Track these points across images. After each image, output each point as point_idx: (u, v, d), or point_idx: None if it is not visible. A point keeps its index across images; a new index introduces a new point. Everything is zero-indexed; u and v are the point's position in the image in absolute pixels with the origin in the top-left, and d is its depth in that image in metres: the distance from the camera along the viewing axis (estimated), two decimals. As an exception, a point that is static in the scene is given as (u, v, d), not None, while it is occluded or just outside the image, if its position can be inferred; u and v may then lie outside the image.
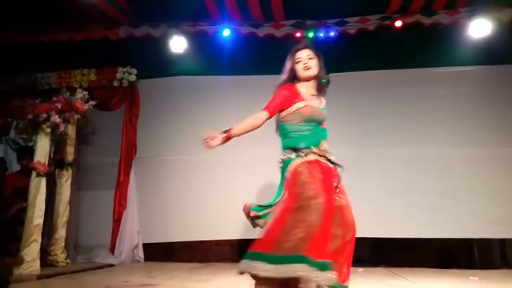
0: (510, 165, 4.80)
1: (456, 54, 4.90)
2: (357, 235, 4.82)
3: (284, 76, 2.86)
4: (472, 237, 4.83)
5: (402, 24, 5.02)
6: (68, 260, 4.62)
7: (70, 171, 4.88)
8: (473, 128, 4.91)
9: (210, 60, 5.40)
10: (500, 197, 4.72)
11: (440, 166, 4.89)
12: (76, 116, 4.94)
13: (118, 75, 5.43)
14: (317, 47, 5.18)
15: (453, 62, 4.99)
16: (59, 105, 4.77)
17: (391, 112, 5.06)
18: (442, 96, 5.01)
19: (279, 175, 4.56)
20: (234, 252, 5.36)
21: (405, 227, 4.75)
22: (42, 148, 4.48)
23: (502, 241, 5.00)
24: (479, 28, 4.81)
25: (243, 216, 4.95)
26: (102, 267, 4.63)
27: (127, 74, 5.43)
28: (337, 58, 5.10)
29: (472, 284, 3.55)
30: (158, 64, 5.46)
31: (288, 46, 5.11)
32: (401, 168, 4.93)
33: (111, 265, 4.75)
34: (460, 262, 4.84)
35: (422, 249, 5.02)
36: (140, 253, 5.13)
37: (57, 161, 4.82)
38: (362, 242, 4.89)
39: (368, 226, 4.76)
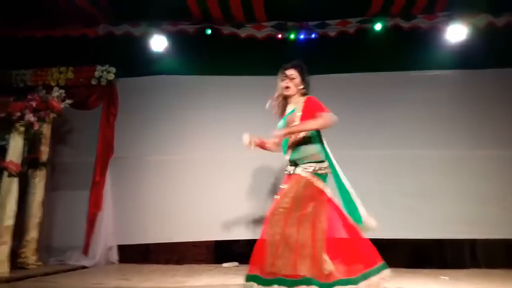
0: (481, 167, 4.88)
1: (433, 58, 4.97)
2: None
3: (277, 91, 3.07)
4: (443, 237, 4.88)
5: (382, 28, 5.06)
6: (40, 263, 4.50)
7: (44, 171, 4.76)
8: (446, 130, 4.98)
9: (191, 60, 5.35)
10: (471, 198, 4.79)
11: (413, 168, 4.94)
12: (52, 115, 4.85)
13: (97, 74, 5.34)
14: (298, 48, 5.29)
15: (429, 66, 5.06)
16: (34, 104, 4.67)
17: (367, 114, 5.09)
18: (418, 99, 5.06)
19: (257, 178, 4.57)
20: (211, 253, 5.30)
21: (379, 227, 4.75)
22: (15, 147, 4.38)
23: (472, 242, 5.07)
24: (456, 32, 4.91)
25: (220, 217, 4.96)
26: (75, 269, 4.51)
27: (105, 72, 5.34)
28: (317, 60, 5.11)
29: (443, 283, 3.57)
30: (137, 63, 5.39)
31: (269, 48, 5.23)
32: (376, 169, 4.96)
33: (85, 267, 4.64)
34: (432, 262, 4.89)
35: (395, 249, 5.04)
36: (115, 255, 5.03)
37: (31, 161, 4.69)
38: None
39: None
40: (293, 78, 3.01)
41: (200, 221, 4.90)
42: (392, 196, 4.83)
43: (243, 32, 5.35)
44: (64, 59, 5.36)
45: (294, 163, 2.87)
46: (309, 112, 2.88)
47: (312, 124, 2.84)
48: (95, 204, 5.06)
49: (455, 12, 4.93)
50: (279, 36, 5.29)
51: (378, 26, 5.06)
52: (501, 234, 4.71)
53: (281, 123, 3.01)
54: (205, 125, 5.26)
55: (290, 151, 2.91)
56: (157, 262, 5.03)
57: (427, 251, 5.09)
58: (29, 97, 4.73)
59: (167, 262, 5.03)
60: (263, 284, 2.59)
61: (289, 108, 3.03)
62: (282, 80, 3.02)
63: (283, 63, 4.82)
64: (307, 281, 2.55)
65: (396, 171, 4.94)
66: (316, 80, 5.07)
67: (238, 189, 4.95)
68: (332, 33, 5.22)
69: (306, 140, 2.90)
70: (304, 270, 2.57)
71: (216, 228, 4.83)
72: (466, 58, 4.94)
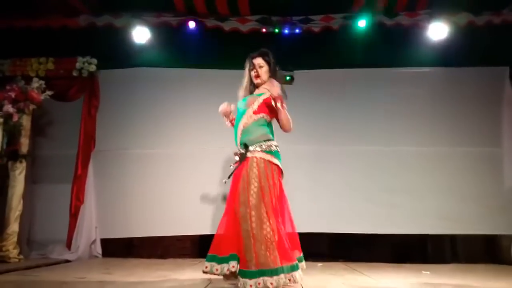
0: (463, 164, 5.02)
1: (415, 55, 5.04)
2: (316, 230, 4.95)
3: (244, 80, 3.20)
4: (425, 233, 5.00)
5: (366, 24, 5.11)
6: (21, 256, 4.45)
7: (24, 163, 4.68)
8: (428, 127, 5.10)
9: (174, 52, 5.30)
10: (453, 195, 4.93)
11: (396, 164, 5.05)
12: (32, 106, 4.76)
13: (78, 65, 5.24)
14: (282, 43, 5.30)
15: (412, 63, 5.15)
16: (13, 94, 4.59)
17: (351, 110, 5.17)
18: (400, 96, 5.16)
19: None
20: (195, 247, 5.33)
21: (363, 223, 4.88)
22: (-6, 139, 4.29)
23: (453, 237, 5.23)
24: (437, 31, 4.98)
25: (204, 212, 4.98)
26: (58, 263, 4.47)
27: (87, 64, 5.25)
28: (301, 55, 5.19)
29: (424, 278, 3.68)
30: (119, 55, 5.30)
31: (253, 41, 5.22)
32: (359, 165, 5.06)
33: (67, 261, 4.60)
34: (414, 257, 5.03)
35: (378, 244, 5.18)
36: (98, 249, 5.01)
37: (10, 153, 4.61)
38: (321, 237, 5.06)
39: (327, 222, 4.89)
40: (261, 67, 3.12)
41: (184, 215, 4.91)
42: (376, 192, 4.93)
43: (227, 26, 5.32)
44: (44, 50, 5.24)
45: (245, 145, 2.96)
46: (268, 108, 3.02)
47: (288, 117, 3.00)
48: (77, 198, 5.02)
49: (436, 10, 5.01)
50: (263, 30, 5.28)
51: (362, 23, 5.10)
52: (481, 230, 4.88)
53: (240, 103, 3.12)
54: (188, 119, 5.25)
55: (240, 135, 3.00)
56: (141, 256, 5.03)
57: (409, 246, 5.23)
58: (7, 87, 4.63)
59: (150, 256, 5.03)
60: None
61: (256, 92, 3.14)
62: (251, 69, 3.15)
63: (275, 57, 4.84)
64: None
65: (379, 167, 5.04)
66: (300, 75, 5.23)
67: (222, 183, 4.96)
68: (316, 29, 5.24)
69: (258, 125, 2.99)
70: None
71: (200, 222, 4.85)
72: (447, 56, 5.04)
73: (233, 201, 2.91)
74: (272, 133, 3.06)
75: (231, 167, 3.01)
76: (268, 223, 2.74)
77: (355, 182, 5.00)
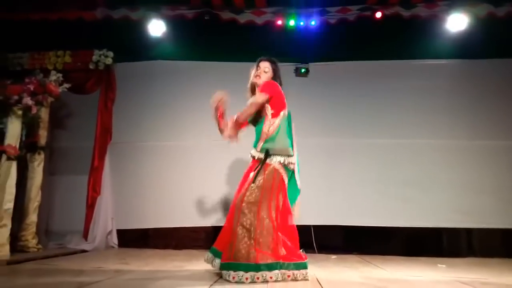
0: (479, 157, 4.95)
1: (433, 47, 4.98)
2: (330, 223, 4.94)
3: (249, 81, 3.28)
4: (440, 226, 4.96)
5: (382, 16, 5.05)
6: (40, 246, 4.52)
7: (42, 155, 4.75)
8: (445, 120, 5.03)
9: (189, 45, 5.33)
10: (468, 188, 4.87)
11: (411, 157, 5.00)
12: (50, 99, 4.81)
13: (94, 58, 5.30)
14: (298, 35, 5.27)
15: (429, 55, 5.07)
16: (31, 87, 4.63)
17: (367, 103, 5.13)
18: (417, 88, 5.09)
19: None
20: (209, 239, 5.34)
21: (377, 216, 4.85)
22: (13, 131, 4.35)
23: (469, 230, 5.15)
24: (456, 22, 4.89)
25: (219, 204, 5.01)
26: (75, 253, 4.54)
27: (103, 57, 5.31)
28: (316, 48, 5.15)
29: (440, 271, 3.65)
30: (135, 48, 5.35)
31: (268, 34, 5.20)
32: (375, 158, 5.02)
33: (84, 251, 4.67)
34: (429, 250, 4.98)
35: (393, 237, 5.14)
36: (114, 239, 5.09)
37: (29, 145, 4.67)
38: (335, 230, 5.04)
39: (341, 215, 4.88)
40: (265, 72, 3.17)
41: (198, 206, 4.95)
42: (390, 185, 4.89)
43: (242, 18, 5.31)
44: (61, 43, 5.32)
45: (267, 151, 2.97)
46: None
47: (245, 109, 3.04)
48: (94, 189, 5.10)
49: (455, 1, 4.91)
50: (279, 22, 5.25)
51: (378, 14, 5.03)
52: (497, 224, 4.81)
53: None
54: (204, 111, 5.20)
55: (263, 140, 3.02)
56: (156, 247, 5.07)
57: (424, 239, 5.17)
58: (26, 80, 4.68)
59: (165, 247, 5.07)
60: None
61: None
62: (256, 69, 3.21)
63: (282, 50, 4.84)
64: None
65: (394, 160, 5.00)
66: (315, 67, 5.20)
67: (236, 175, 4.96)
68: (332, 20, 5.20)
69: (280, 132, 3.01)
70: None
71: (215, 214, 4.88)
72: (466, 48, 4.96)
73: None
74: (291, 141, 3.08)
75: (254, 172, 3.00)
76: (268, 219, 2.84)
77: (370, 175, 4.97)
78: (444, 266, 3.98)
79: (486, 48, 4.93)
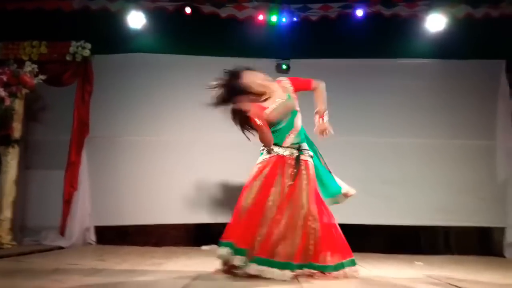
0: (458, 156, 5.05)
1: (412, 47, 5.04)
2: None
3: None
4: (419, 224, 5.06)
5: (363, 14, 5.07)
6: (14, 242, 4.44)
7: (17, 148, 4.65)
8: (425, 119, 5.10)
9: (169, 38, 5.24)
10: (447, 187, 4.97)
11: (392, 155, 5.07)
12: (24, 91, 4.71)
13: (71, 49, 5.16)
14: (279, 31, 5.25)
15: (409, 54, 5.12)
16: (4, 78, 4.53)
17: (347, 101, 5.12)
18: (397, 87, 5.14)
19: (237, 160, 4.59)
20: (190, 236, 5.34)
21: (357, 213, 4.91)
22: (-15, 124, 4.24)
23: (446, 229, 5.30)
24: (435, 22, 4.96)
25: (199, 200, 4.98)
26: (51, 249, 4.45)
27: (80, 48, 5.17)
28: (297, 44, 5.15)
29: (417, 268, 3.72)
30: (114, 40, 5.23)
31: (250, 29, 5.16)
32: (356, 156, 5.06)
33: (61, 248, 4.59)
34: (407, 248, 5.08)
35: (372, 235, 5.23)
36: (92, 236, 5.01)
37: (3, 138, 4.56)
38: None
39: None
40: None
41: (179, 203, 4.91)
42: (371, 183, 4.92)
43: (223, 12, 5.25)
44: (38, 33, 5.15)
45: (298, 147, 3.02)
46: None
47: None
48: (71, 184, 4.99)
49: (434, 1, 4.98)
50: (261, 17, 5.22)
51: (359, 12, 5.06)
52: (474, 222, 4.94)
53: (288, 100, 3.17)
54: (183, 106, 5.20)
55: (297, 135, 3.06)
56: (135, 244, 5.00)
57: (403, 237, 5.28)
58: (-1, 70, 4.55)
59: (145, 244, 5.01)
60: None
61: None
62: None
63: (263, 45, 4.81)
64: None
65: (376, 158, 5.06)
66: (296, 64, 5.19)
67: (218, 171, 4.97)
68: (314, 17, 5.19)
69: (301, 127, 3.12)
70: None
71: (196, 211, 4.86)
72: (444, 48, 5.02)
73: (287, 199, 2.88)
74: None
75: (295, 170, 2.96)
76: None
77: (350, 173, 4.99)
78: (421, 263, 4.06)
79: (463, 48, 5.01)
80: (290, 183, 2.89)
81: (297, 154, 2.99)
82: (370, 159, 5.05)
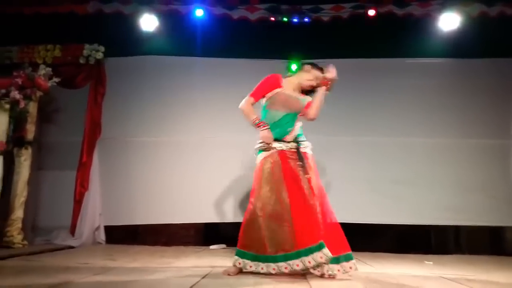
0: (471, 155, 4.96)
1: (425, 46, 4.97)
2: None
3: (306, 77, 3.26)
4: (429, 224, 4.99)
5: (375, 14, 5.04)
6: (25, 242, 4.44)
7: (30, 150, 4.67)
8: (436, 119, 5.03)
9: (181, 41, 5.28)
10: (457, 186, 4.88)
11: (404, 155, 5.00)
12: (38, 93, 4.75)
13: (85, 52, 5.24)
14: (291, 32, 5.24)
15: (422, 54, 5.06)
16: (19, 81, 4.57)
17: (359, 101, 5.11)
18: (409, 86, 5.09)
19: (247, 160, 4.55)
20: (199, 235, 5.32)
21: (367, 213, 4.86)
22: (0, 125, 4.28)
23: (456, 228, 5.19)
24: (449, 21, 4.91)
25: (209, 200, 4.97)
26: (61, 249, 4.45)
27: (94, 51, 5.25)
28: (309, 45, 5.12)
29: (428, 268, 3.64)
30: (127, 42, 5.29)
31: (262, 30, 5.17)
32: (367, 155, 5.01)
33: (71, 247, 4.59)
34: (417, 247, 4.99)
35: (382, 235, 5.15)
36: (102, 235, 5.02)
37: (16, 139, 4.59)
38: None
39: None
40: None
41: (188, 203, 4.91)
42: (381, 183, 4.89)
43: (235, 14, 5.28)
44: (52, 37, 5.25)
45: (296, 140, 3.02)
46: None
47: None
48: (82, 184, 5.02)
49: (448, 0, 4.92)
50: (272, 19, 5.22)
51: (371, 12, 5.02)
52: (484, 221, 4.83)
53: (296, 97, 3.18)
54: (194, 107, 5.22)
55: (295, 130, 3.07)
56: (145, 243, 5.01)
57: (413, 236, 5.19)
58: (14, 74, 4.61)
59: (155, 243, 5.01)
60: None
61: (302, 95, 3.23)
62: (322, 81, 3.21)
63: (275, 47, 4.82)
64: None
65: (387, 158, 5.00)
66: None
67: (227, 172, 4.95)
68: (326, 18, 5.18)
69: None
70: None
71: (205, 211, 4.84)
72: (458, 47, 4.95)
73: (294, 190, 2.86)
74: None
75: (300, 163, 2.94)
76: None
77: (362, 172, 4.96)
78: (431, 263, 3.98)
79: (477, 47, 4.93)
80: (307, 176, 2.90)
81: (296, 146, 2.99)
82: (380, 159, 5.00)
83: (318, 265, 2.67)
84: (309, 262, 2.65)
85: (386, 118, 5.05)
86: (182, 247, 4.84)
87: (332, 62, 5.11)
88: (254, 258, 2.77)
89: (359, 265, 3.61)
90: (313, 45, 5.12)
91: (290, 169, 2.90)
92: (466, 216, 4.80)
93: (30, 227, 4.86)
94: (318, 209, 2.82)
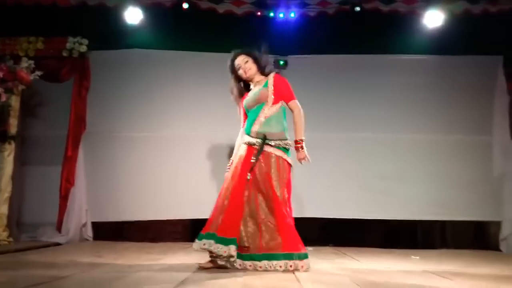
0: (455, 151, 5.07)
1: (410, 43, 5.03)
2: (308, 215, 4.98)
3: (231, 80, 3.29)
4: (415, 219, 5.08)
5: (361, 10, 5.06)
6: (11, 239, 4.41)
7: (13, 144, 4.61)
8: (421, 115, 5.12)
9: (167, 34, 5.22)
10: (444, 182, 4.99)
11: (389, 151, 5.08)
12: (21, 87, 4.67)
13: (68, 45, 5.14)
14: (277, 27, 5.24)
15: (407, 50, 5.13)
16: (1, 74, 4.49)
17: (345, 97, 5.16)
18: (395, 83, 5.15)
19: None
20: (186, 231, 5.33)
21: (355, 208, 4.93)
22: (-18, 119, 4.21)
23: (442, 223, 5.31)
24: (433, 18, 4.95)
25: (196, 196, 4.97)
26: (48, 245, 4.43)
27: (77, 44, 5.15)
28: (295, 40, 5.14)
29: (414, 262, 3.73)
30: (111, 36, 5.21)
31: (248, 25, 5.15)
32: (353, 151, 5.08)
33: (58, 244, 4.57)
34: (403, 242, 5.10)
35: (369, 230, 5.24)
36: (89, 232, 4.99)
37: (-1, 133, 4.53)
38: (311, 222, 5.09)
39: (319, 207, 4.92)
40: (246, 61, 3.18)
41: (175, 199, 4.91)
42: (368, 178, 4.97)
43: (221, 8, 5.25)
44: (34, 29, 5.12)
45: (264, 137, 2.99)
46: (279, 91, 3.11)
47: (302, 120, 3.12)
48: (68, 180, 4.97)
49: (433, -2, 4.99)
50: (258, 13, 5.22)
51: (357, 8, 5.05)
52: (470, 216, 4.96)
53: (250, 98, 3.15)
54: (180, 102, 5.20)
55: (260, 125, 3.04)
56: (132, 239, 5.00)
57: (400, 232, 5.30)
58: (-5, 66, 4.53)
59: (142, 239, 5.00)
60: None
61: (254, 87, 3.20)
62: (238, 70, 3.20)
63: (261, 42, 4.82)
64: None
65: (373, 154, 5.07)
66: (294, 60, 5.19)
67: (214, 167, 4.96)
68: (312, 13, 5.19)
69: (277, 117, 3.08)
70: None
71: (192, 207, 4.84)
72: (442, 44, 5.02)
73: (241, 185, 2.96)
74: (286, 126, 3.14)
75: (253, 160, 2.98)
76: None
77: (348, 168, 5.03)
78: (417, 257, 4.07)
79: (461, 44, 5.01)
80: (249, 172, 2.97)
81: (260, 144, 3.00)
82: (367, 155, 5.07)
83: (225, 257, 2.82)
84: (225, 251, 2.82)
85: (371, 114, 5.10)
86: (169, 243, 4.85)
87: (316, 57, 5.21)
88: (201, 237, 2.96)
89: (346, 260, 3.72)
90: (299, 40, 5.15)
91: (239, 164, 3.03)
92: (451, 211, 4.91)
93: (15, 223, 4.81)
94: (248, 208, 2.96)
